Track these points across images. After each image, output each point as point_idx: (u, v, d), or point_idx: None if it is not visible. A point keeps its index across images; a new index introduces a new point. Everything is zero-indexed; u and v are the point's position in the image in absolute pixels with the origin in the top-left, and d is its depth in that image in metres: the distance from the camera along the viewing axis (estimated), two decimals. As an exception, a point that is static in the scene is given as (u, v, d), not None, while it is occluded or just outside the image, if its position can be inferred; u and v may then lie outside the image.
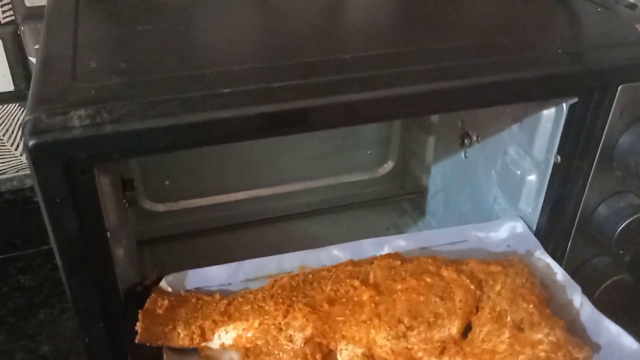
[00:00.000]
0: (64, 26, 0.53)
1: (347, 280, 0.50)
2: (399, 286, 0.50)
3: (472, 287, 0.50)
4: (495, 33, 0.56)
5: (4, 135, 0.79)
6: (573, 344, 0.47)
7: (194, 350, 0.48)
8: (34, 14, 0.74)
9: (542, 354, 0.45)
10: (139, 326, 0.47)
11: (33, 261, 0.79)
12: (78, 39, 0.50)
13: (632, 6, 0.73)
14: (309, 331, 0.47)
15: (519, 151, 0.61)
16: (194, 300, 0.50)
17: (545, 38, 0.54)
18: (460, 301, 0.49)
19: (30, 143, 0.38)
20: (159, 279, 0.51)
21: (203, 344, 0.48)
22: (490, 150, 0.66)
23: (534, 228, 0.59)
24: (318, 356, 0.47)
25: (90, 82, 0.43)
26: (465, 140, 0.70)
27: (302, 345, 0.47)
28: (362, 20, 0.60)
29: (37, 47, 0.75)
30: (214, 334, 0.48)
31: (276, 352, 0.47)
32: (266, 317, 0.48)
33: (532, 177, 0.59)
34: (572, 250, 0.59)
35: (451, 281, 0.50)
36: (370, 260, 0.53)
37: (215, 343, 0.48)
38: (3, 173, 0.80)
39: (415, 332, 0.47)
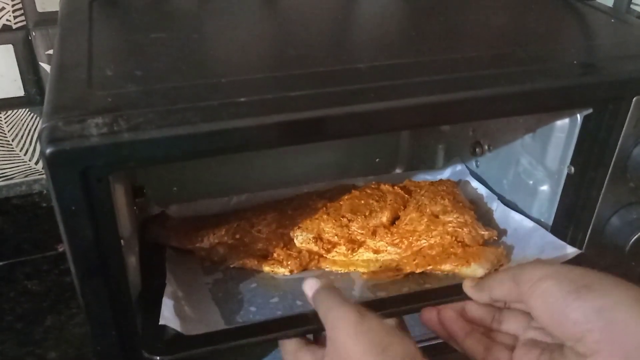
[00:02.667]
0: (78, 33, 0.53)
1: (309, 197, 0.67)
2: (346, 196, 0.66)
3: (402, 192, 0.66)
4: (509, 44, 0.56)
5: (13, 140, 0.79)
6: (480, 225, 0.60)
7: (191, 253, 0.62)
8: (46, 19, 0.74)
9: (451, 229, 0.60)
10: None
11: (40, 266, 0.78)
12: (93, 46, 0.50)
13: (644, 17, 0.73)
14: (273, 226, 0.63)
15: (531, 161, 0.61)
16: (191, 220, 0.65)
17: (559, 49, 0.54)
18: (390, 200, 0.64)
19: (48, 151, 0.38)
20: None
21: (197, 245, 0.62)
22: (502, 159, 0.66)
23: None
24: (280, 242, 0.61)
25: (107, 90, 0.43)
26: (477, 149, 0.70)
27: (268, 234, 0.62)
28: (376, 30, 0.60)
29: (48, 52, 0.75)
30: (204, 237, 0.62)
31: (249, 242, 0.62)
32: (243, 220, 0.63)
33: (544, 188, 0.59)
34: (584, 262, 0.59)
35: (386, 191, 0.66)
36: (330, 189, 0.69)
37: (205, 243, 0.62)
38: (12, 178, 0.80)
39: (354, 222, 0.62)
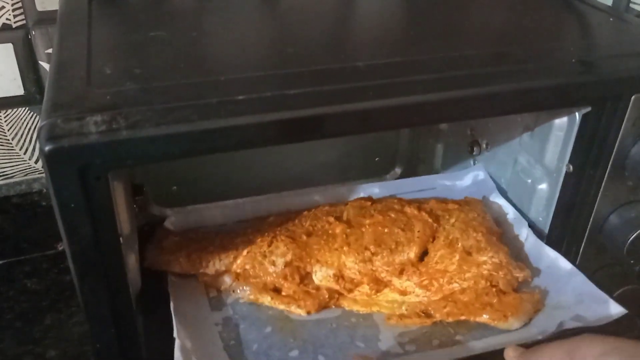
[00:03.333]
0: (77, 31, 0.53)
1: (324, 218, 0.60)
2: (367, 221, 0.59)
3: (430, 220, 0.59)
4: (508, 42, 0.56)
5: (12, 139, 0.79)
6: (514, 265, 0.56)
7: (194, 276, 0.57)
8: (45, 18, 0.74)
9: (486, 272, 0.54)
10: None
11: (40, 265, 0.78)
12: (92, 45, 0.50)
13: (643, 16, 0.73)
14: (289, 257, 0.56)
15: (529, 160, 0.61)
16: (193, 236, 0.60)
17: (558, 47, 0.54)
18: (418, 231, 0.58)
19: (47, 148, 0.38)
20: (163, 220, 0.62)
21: (201, 271, 0.57)
22: (500, 158, 0.66)
23: (545, 236, 0.59)
24: (296, 276, 0.56)
25: (106, 88, 0.43)
26: (475, 148, 0.70)
27: (283, 268, 0.56)
28: (375, 29, 0.60)
29: (47, 51, 0.75)
30: (209, 262, 0.57)
31: (261, 274, 0.56)
32: (253, 246, 0.57)
33: (543, 186, 0.59)
34: (583, 260, 0.59)
35: (412, 216, 0.59)
36: (345, 202, 0.63)
37: (210, 269, 0.57)
38: (11, 177, 0.80)
39: (379, 257, 0.56)
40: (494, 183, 0.67)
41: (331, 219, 0.60)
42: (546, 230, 0.59)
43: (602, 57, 0.53)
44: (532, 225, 0.61)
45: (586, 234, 0.58)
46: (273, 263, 0.56)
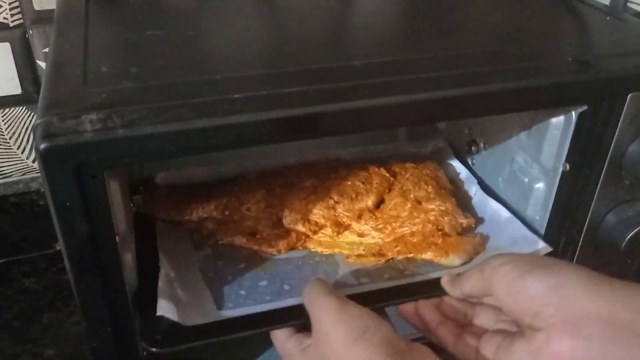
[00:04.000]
0: (74, 30, 0.53)
1: (296, 173, 0.67)
2: (333, 176, 0.67)
3: (387, 175, 0.67)
4: (504, 41, 0.56)
5: (10, 139, 0.79)
6: (459, 213, 0.63)
7: (180, 223, 0.64)
8: (43, 17, 0.74)
9: (433, 218, 0.62)
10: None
11: (38, 265, 0.79)
12: (88, 43, 0.50)
13: (640, 15, 0.73)
14: (262, 205, 0.64)
15: (526, 159, 0.61)
16: (179, 189, 0.67)
17: (555, 46, 0.54)
18: (376, 184, 0.66)
19: (42, 146, 0.38)
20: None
21: (186, 217, 0.64)
22: (497, 157, 0.66)
23: (542, 235, 0.59)
24: (269, 221, 0.63)
25: (101, 87, 0.43)
26: (472, 147, 0.70)
27: (257, 214, 0.64)
28: (371, 27, 0.60)
29: (45, 50, 0.76)
30: (193, 210, 0.64)
31: (239, 220, 0.64)
32: (232, 196, 0.64)
33: (540, 185, 0.59)
34: (580, 259, 0.59)
35: (372, 172, 0.67)
36: (317, 163, 0.70)
37: (194, 216, 0.64)
38: (9, 176, 0.80)
39: (341, 204, 0.63)
40: (451, 150, 0.75)
41: (302, 174, 0.68)
42: (543, 229, 0.59)
43: (599, 55, 0.53)
44: (529, 224, 0.61)
45: (583, 233, 0.57)
46: (249, 210, 0.64)
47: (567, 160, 0.54)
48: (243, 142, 0.42)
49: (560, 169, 0.55)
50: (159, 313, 0.49)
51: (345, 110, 0.44)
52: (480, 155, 0.70)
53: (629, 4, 0.78)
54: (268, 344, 0.55)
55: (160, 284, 0.52)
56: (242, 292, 0.56)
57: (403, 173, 0.69)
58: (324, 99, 0.43)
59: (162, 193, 0.66)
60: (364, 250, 0.62)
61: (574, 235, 0.58)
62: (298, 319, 0.50)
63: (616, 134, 0.52)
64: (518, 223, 0.61)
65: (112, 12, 0.60)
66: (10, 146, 0.79)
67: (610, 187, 0.55)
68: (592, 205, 0.56)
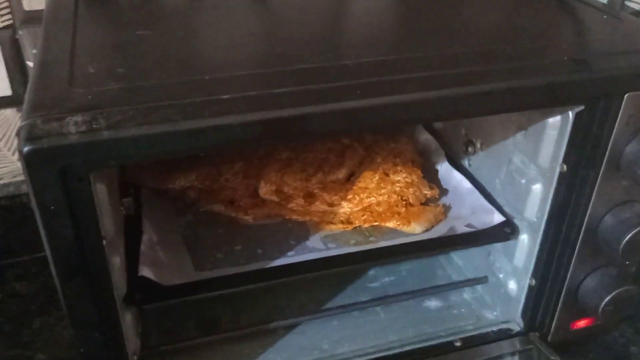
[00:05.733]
0: (62, 30, 0.52)
1: (275, 146, 0.70)
2: (309, 149, 0.69)
3: (360, 149, 0.71)
4: (499, 40, 0.55)
5: (0, 141, 0.78)
6: (425, 184, 0.68)
7: (164, 191, 0.68)
8: (32, 17, 0.73)
9: (398, 189, 0.67)
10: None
11: (30, 268, 0.78)
12: (76, 44, 0.50)
13: (638, 14, 0.73)
14: (240, 176, 0.68)
15: (523, 159, 0.60)
16: (164, 159, 0.67)
17: (551, 45, 0.53)
18: (349, 158, 0.69)
19: (25, 149, 0.37)
20: None
21: (170, 186, 0.67)
22: (494, 158, 0.66)
23: (540, 237, 0.59)
24: (246, 191, 0.67)
25: (88, 88, 0.42)
26: (469, 148, 0.70)
27: (236, 184, 0.68)
28: (364, 27, 0.59)
29: (34, 51, 0.75)
30: (176, 179, 0.67)
31: (218, 189, 0.68)
32: (212, 167, 0.68)
33: (537, 186, 0.58)
34: (578, 261, 0.58)
35: (346, 146, 0.71)
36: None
37: (177, 185, 0.68)
38: (0, 178, 0.79)
39: (314, 177, 0.67)
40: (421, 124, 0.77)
41: (280, 147, 0.70)
42: (541, 231, 0.58)
43: (595, 55, 0.52)
44: (527, 226, 0.61)
45: (581, 235, 0.57)
46: (227, 180, 0.68)
47: (564, 161, 0.54)
48: (231, 144, 0.41)
49: (558, 170, 0.54)
50: (140, 274, 0.52)
51: (335, 110, 0.43)
52: (477, 156, 0.70)
53: (626, 3, 0.77)
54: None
55: (142, 247, 0.56)
56: (219, 255, 0.60)
57: (374, 147, 0.72)
58: (314, 99, 0.43)
59: (149, 163, 0.68)
60: (334, 218, 0.66)
61: (572, 237, 0.57)
62: (268, 281, 0.56)
63: (613, 134, 0.51)
64: (477, 194, 0.66)
65: (101, 12, 0.59)
66: (0, 148, 0.79)
67: (607, 188, 0.54)
68: (590, 206, 0.55)
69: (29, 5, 0.73)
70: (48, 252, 0.41)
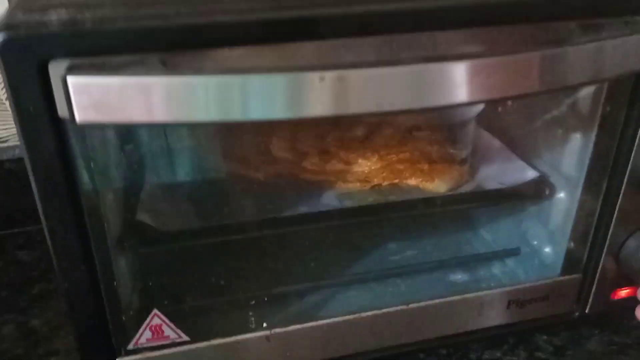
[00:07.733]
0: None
1: None
2: None
3: None
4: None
5: (6, 100, 0.76)
6: (450, 142, 0.64)
7: None
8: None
9: (420, 146, 0.63)
10: None
11: (34, 237, 0.74)
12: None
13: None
14: (251, 133, 0.64)
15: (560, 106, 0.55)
16: None
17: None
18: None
19: (0, 39, 0.34)
20: None
21: None
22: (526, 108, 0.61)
23: (578, 194, 0.54)
24: (257, 149, 0.63)
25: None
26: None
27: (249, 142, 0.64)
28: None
29: None
30: None
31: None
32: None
33: (576, 135, 0.53)
34: (619, 219, 0.52)
35: None
36: None
37: None
38: (5, 141, 0.76)
39: (330, 135, 0.64)
40: None
41: None
42: (580, 187, 0.53)
43: None
44: (565, 183, 0.56)
45: (623, 187, 0.51)
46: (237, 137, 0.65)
47: (607, 99, 0.48)
48: (227, 43, 0.37)
49: (600, 112, 0.49)
50: (137, 218, 0.51)
51: (345, 14, 0.38)
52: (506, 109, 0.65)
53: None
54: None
55: (142, 194, 0.54)
56: (226, 209, 0.58)
57: None
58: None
59: None
60: (349, 177, 0.61)
61: (614, 191, 0.51)
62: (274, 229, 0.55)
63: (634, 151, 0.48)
64: (508, 152, 0.62)
65: None
66: (5, 108, 0.76)
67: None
68: (634, 150, 0.49)
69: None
70: (26, 161, 0.37)
